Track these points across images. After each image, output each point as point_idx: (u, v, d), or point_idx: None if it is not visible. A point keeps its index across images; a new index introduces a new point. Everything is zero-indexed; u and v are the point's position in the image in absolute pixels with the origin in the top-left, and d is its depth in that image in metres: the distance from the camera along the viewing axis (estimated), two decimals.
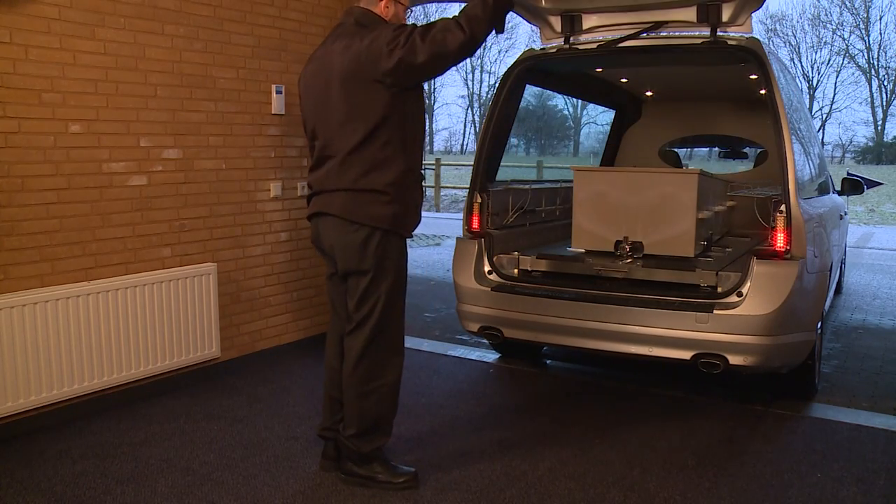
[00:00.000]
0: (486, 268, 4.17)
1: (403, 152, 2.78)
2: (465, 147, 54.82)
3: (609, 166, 6.53)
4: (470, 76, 54.86)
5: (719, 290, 3.72)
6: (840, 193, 6.43)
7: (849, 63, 48.66)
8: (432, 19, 2.89)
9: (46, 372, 3.44)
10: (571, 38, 4.40)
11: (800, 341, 3.68)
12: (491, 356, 4.87)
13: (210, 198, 4.19)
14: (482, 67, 54.49)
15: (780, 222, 3.58)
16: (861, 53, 48.30)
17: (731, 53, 4.02)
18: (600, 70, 5.47)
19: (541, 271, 4.27)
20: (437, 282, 7.74)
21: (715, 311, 3.52)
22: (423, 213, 3.11)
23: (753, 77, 4.81)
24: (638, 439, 3.49)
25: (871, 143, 48.03)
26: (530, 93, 6.24)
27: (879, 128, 47.91)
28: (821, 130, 45.74)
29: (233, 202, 4.32)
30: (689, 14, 4.06)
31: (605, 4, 4.21)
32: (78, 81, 3.54)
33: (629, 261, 4.10)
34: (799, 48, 49.70)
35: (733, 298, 3.54)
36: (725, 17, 3.96)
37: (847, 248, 7.59)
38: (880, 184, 7.81)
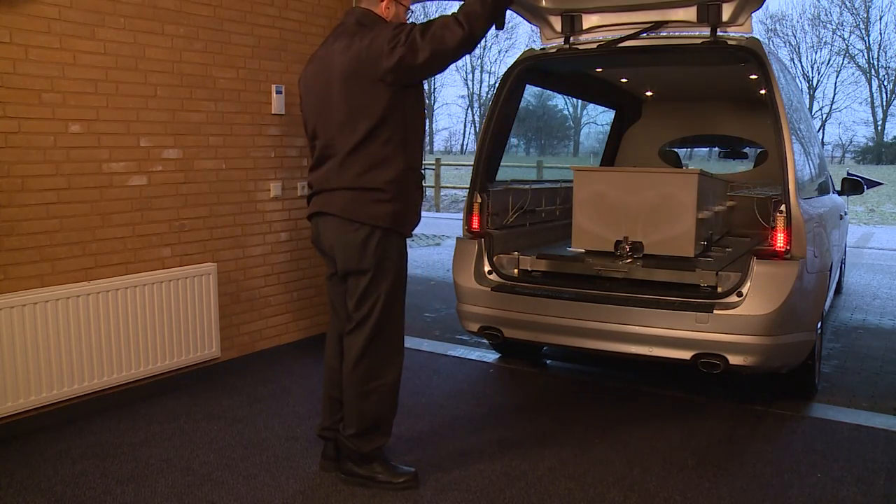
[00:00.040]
0: (486, 268, 4.17)
1: (404, 150, 2.78)
2: (465, 147, 54.85)
3: (609, 166, 6.53)
4: (470, 76, 54.94)
5: (719, 290, 3.72)
6: (840, 193, 6.43)
7: (849, 63, 48.73)
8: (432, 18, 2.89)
9: (46, 372, 3.44)
10: (571, 38, 4.40)
11: (800, 341, 3.68)
12: (491, 356, 4.87)
13: (210, 198, 4.19)
14: (482, 67, 54.58)
15: (780, 222, 3.58)
16: (861, 53, 48.37)
17: (731, 53, 4.02)
18: (600, 70, 5.47)
19: (541, 271, 4.27)
20: (437, 282, 7.74)
21: (715, 311, 3.52)
22: (423, 213, 3.11)
23: (753, 77, 4.81)
24: (638, 439, 3.49)
25: (871, 143, 48.05)
26: (530, 93, 6.24)
27: (879, 128, 47.94)
28: (821, 130, 45.74)
29: (233, 202, 4.32)
30: (689, 14, 4.06)
31: (605, 4, 4.21)
32: (78, 81, 3.54)
33: (629, 261, 4.10)
34: (799, 48, 49.76)
35: (733, 298, 3.54)
36: (725, 16, 3.96)
37: (847, 248, 7.59)
38: (880, 184, 7.81)
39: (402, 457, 3.20)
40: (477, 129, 50.81)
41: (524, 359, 4.78)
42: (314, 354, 4.66)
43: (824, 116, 48.64)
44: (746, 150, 6.79)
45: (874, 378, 4.54)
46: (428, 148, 46.68)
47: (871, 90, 48.34)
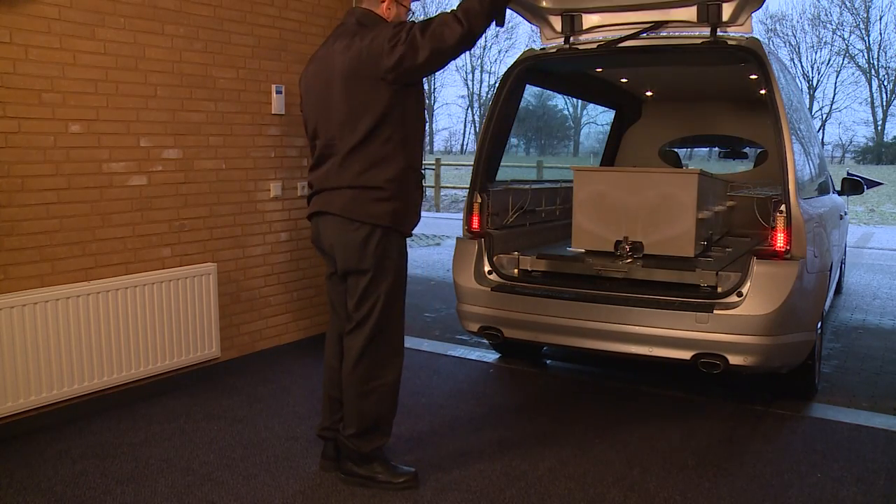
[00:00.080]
0: (486, 268, 4.17)
1: (404, 149, 2.79)
2: (465, 147, 54.85)
3: (609, 166, 6.53)
4: (470, 76, 54.95)
5: (719, 290, 3.72)
6: (840, 193, 6.43)
7: (849, 63, 48.73)
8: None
9: (46, 372, 3.44)
10: (571, 38, 4.40)
11: (800, 341, 3.68)
12: (491, 356, 4.87)
13: (210, 198, 4.19)
14: (482, 67, 54.59)
15: (780, 222, 3.58)
16: (861, 53, 48.37)
17: (731, 53, 4.02)
18: (600, 70, 5.47)
19: (541, 271, 4.27)
20: (437, 282, 7.74)
21: (715, 311, 3.52)
22: (423, 213, 3.11)
23: (753, 77, 4.81)
24: (638, 439, 3.49)
25: (871, 143, 48.05)
26: (530, 93, 6.23)
27: (879, 128, 47.94)
28: (821, 130, 45.74)
29: (233, 202, 4.32)
30: (690, 14, 4.06)
31: (605, 4, 4.21)
32: (78, 81, 3.54)
33: (629, 261, 4.10)
34: (799, 48, 49.76)
35: (733, 298, 3.54)
36: (725, 16, 3.96)
37: (847, 248, 7.59)
38: (880, 184, 7.81)
39: (402, 457, 3.20)
40: (477, 129, 50.80)
41: (524, 359, 4.78)
42: (314, 354, 4.66)
43: (824, 116, 48.65)
44: (746, 150, 6.79)
45: (874, 378, 4.54)
46: (428, 148, 46.67)
47: (871, 90, 48.39)
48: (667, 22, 4.13)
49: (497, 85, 4.49)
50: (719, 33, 3.98)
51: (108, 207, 3.70)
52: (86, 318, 3.58)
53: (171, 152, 3.97)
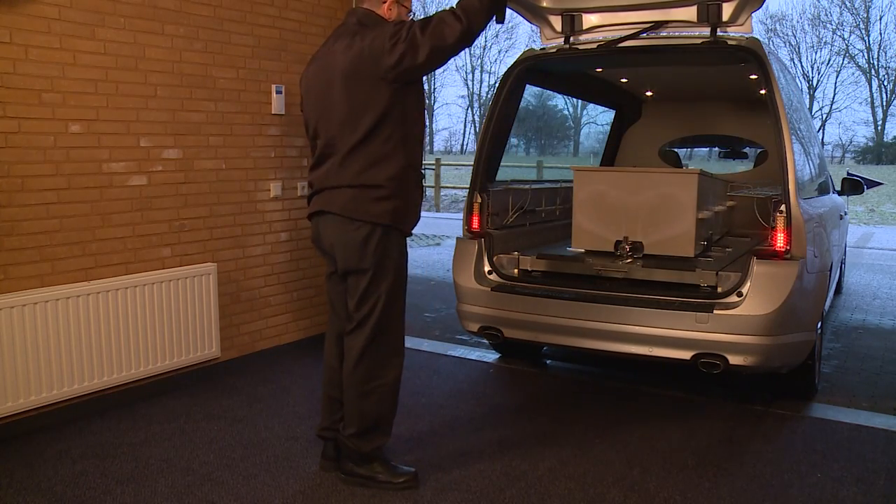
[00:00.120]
0: (486, 268, 4.17)
1: (404, 148, 2.79)
2: (465, 147, 54.84)
3: (609, 166, 6.53)
4: (470, 76, 54.94)
5: (719, 290, 3.72)
6: (840, 193, 6.43)
7: (849, 63, 48.72)
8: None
9: (46, 372, 3.44)
10: (571, 38, 4.39)
11: (800, 341, 3.68)
12: (491, 356, 4.87)
13: (210, 198, 4.19)
14: (482, 67, 54.58)
15: (780, 222, 3.58)
16: (861, 53, 48.35)
17: (731, 53, 4.02)
18: (600, 70, 5.47)
19: (541, 271, 4.27)
20: (437, 282, 7.74)
21: (715, 311, 3.52)
22: (423, 213, 3.11)
23: (753, 77, 4.81)
24: (638, 439, 3.49)
25: (871, 143, 48.04)
26: (530, 93, 6.24)
27: (879, 128, 47.94)
28: (821, 130, 45.74)
29: (233, 202, 4.32)
30: (689, 14, 4.06)
31: (605, 4, 4.21)
32: (78, 81, 3.54)
33: (629, 261, 4.10)
34: (799, 48, 49.75)
35: (733, 298, 3.54)
36: (725, 16, 3.96)
37: (847, 248, 7.59)
38: (880, 184, 7.81)
39: (402, 457, 3.20)
40: (477, 129, 50.80)
41: (524, 359, 4.78)
42: (314, 354, 4.66)
43: (824, 116, 48.64)
44: (746, 150, 6.79)
45: (874, 378, 4.54)
46: (428, 148, 46.67)
47: (871, 90, 48.38)
48: (667, 22, 4.13)
49: (497, 85, 4.49)
50: (719, 33, 3.98)
51: (108, 207, 3.70)
52: (86, 318, 3.58)
53: (171, 152, 3.97)
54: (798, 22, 59.37)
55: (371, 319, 2.84)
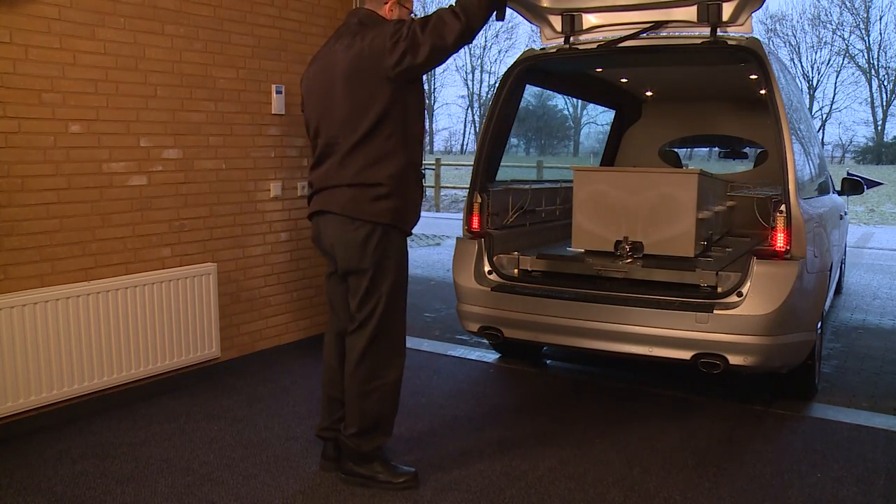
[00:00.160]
0: (486, 268, 4.17)
1: (405, 146, 2.79)
2: (465, 147, 54.84)
3: (609, 166, 6.53)
4: (470, 76, 54.94)
5: (719, 290, 3.72)
6: (840, 193, 6.43)
7: (849, 63, 48.72)
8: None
9: (46, 372, 3.44)
10: (571, 38, 4.39)
11: (800, 341, 3.68)
12: (491, 356, 4.87)
13: (210, 198, 4.19)
14: (482, 67, 54.59)
15: (780, 222, 3.58)
16: (861, 53, 48.37)
17: (731, 53, 4.02)
18: (600, 70, 5.47)
19: (541, 271, 4.27)
20: (437, 282, 7.74)
21: (715, 311, 3.52)
22: (423, 213, 3.12)
23: (753, 77, 4.81)
24: (638, 439, 3.49)
25: (871, 143, 48.05)
26: (530, 93, 6.24)
27: (879, 128, 47.94)
28: (821, 130, 45.74)
29: (233, 202, 4.32)
30: (689, 14, 4.06)
31: (605, 4, 4.21)
32: (78, 81, 3.54)
33: (629, 261, 4.10)
34: (799, 48, 49.75)
35: (733, 298, 3.54)
36: (725, 16, 3.96)
37: (847, 248, 7.59)
38: (880, 184, 7.81)
39: (402, 457, 3.20)
40: (477, 129, 50.80)
41: (524, 359, 4.78)
42: (314, 354, 4.66)
43: (824, 116, 48.65)
44: (746, 150, 6.79)
45: (874, 378, 4.54)
46: (428, 148, 46.66)
47: (871, 90, 48.39)
48: (667, 22, 4.13)
49: (497, 85, 4.49)
50: (719, 33, 3.98)
51: (108, 207, 3.70)
52: (86, 318, 3.58)
53: (171, 152, 3.97)
54: (798, 22, 59.42)
55: (373, 320, 2.84)
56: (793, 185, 3.60)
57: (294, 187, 4.68)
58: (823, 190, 5.08)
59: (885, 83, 47.84)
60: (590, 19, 4.34)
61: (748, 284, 3.52)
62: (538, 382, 4.37)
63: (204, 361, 4.18)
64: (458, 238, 4.34)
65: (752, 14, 3.98)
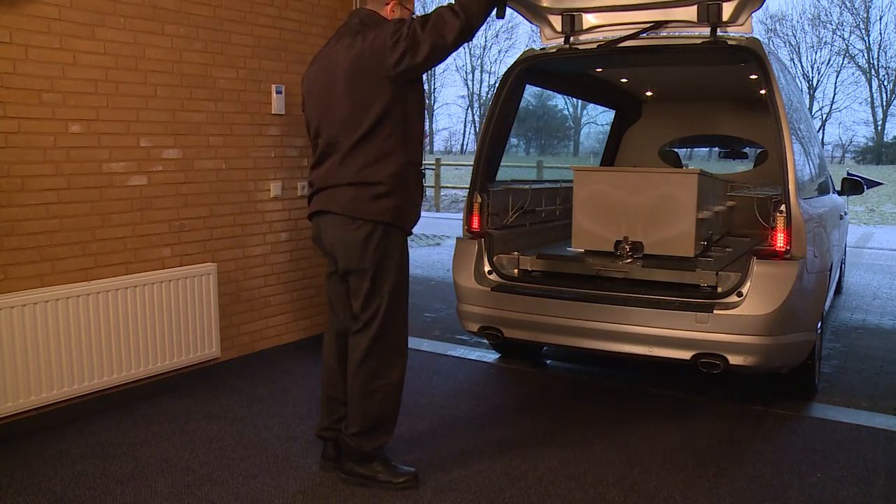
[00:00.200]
0: (486, 268, 4.17)
1: (405, 145, 2.80)
2: (465, 147, 54.83)
3: (609, 166, 6.53)
4: (470, 76, 54.93)
5: (719, 290, 3.72)
6: (840, 193, 6.43)
7: (849, 63, 48.73)
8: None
9: (46, 372, 3.44)
10: (571, 38, 4.39)
11: (800, 341, 3.68)
12: (491, 356, 4.87)
13: (210, 198, 4.19)
14: (482, 67, 54.58)
15: (780, 222, 3.58)
16: (861, 53, 48.36)
17: (731, 53, 4.02)
18: (600, 70, 5.47)
19: (541, 271, 4.27)
20: (437, 282, 7.74)
21: (715, 311, 3.52)
22: (423, 213, 3.11)
23: (753, 77, 4.81)
24: (638, 439, 3.49)
25: (871, 143, 48.05)
26: (530, 93, 6.24)
27: (879, 128, 47.95)
28: (821, 130, 45.74)
29: (233, 202, 4.32)
30: (690, 14, 4.06)
31: (605, 4, 4.21)
32: (78, 81, 3.54)
33: (629, 261, 4.10)
34: (799, 48, 49.76)
35: (733, 298, 3.54)
36: (725, 16, 3.96)
37: (847, 248, 7.59)
38: (880, 184, 7.81)
39: (402, 457, 3.20)
40: (477, 129, 50.79)
41: (524, 359, 4.78)
42: (314, 354, 4.66)
43: (824, 116, 48.64)
44: (746, 150, 6.79)
45: (874, 378, 4.54)
46: (428, 148, 46.64)
47: (871, 90, 48.39)
48: (667, 22, 4.13)
49: (497, 85, 4.49)
50: (719, 33, 3.98)
51: (108, 207, 3.70)
52: (86, 318, 3.58)
53: (171, 152, 3.97)
54: (798, 22, 59.45)
55: (375, 320, 2.84)
56: (793, 185, 3.60)
57: (294, 187, 4.68)
58: (823, 190, 5.08)
59: (885, 83, 47.87)
60: (590, 19, 4.34)
61: (748, 284, 3.52)
62: (538, 382, 4.37)
63: (204, 361, 4.18)
64: (458, 238, 4.34)
65: (752, 14, 3.98)
